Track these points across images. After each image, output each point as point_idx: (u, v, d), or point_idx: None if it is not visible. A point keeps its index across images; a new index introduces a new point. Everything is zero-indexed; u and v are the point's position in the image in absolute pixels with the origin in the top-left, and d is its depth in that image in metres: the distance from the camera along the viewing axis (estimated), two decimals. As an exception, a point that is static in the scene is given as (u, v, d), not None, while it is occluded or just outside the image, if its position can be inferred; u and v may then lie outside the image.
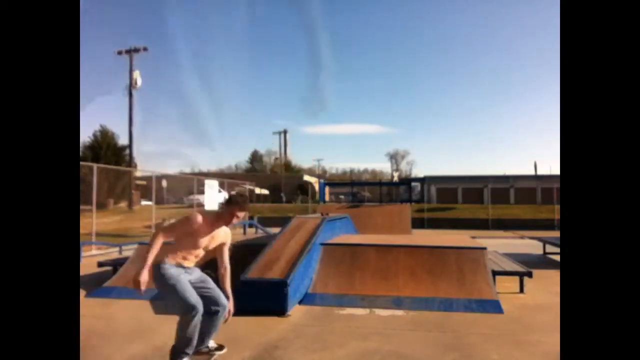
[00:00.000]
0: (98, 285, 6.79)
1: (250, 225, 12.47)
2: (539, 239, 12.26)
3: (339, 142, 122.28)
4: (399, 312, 5.44)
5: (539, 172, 31.40)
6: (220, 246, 3.96)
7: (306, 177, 56.32)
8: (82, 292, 6.48)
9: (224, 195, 22.97)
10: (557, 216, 21.84)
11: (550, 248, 11.20)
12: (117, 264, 7.66)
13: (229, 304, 3.95)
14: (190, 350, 3.70)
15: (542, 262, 10.22)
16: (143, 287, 3.46)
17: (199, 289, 3.74)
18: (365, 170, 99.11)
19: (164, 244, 3.61)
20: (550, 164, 74.61)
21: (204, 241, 3.74)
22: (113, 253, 11.06)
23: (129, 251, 9.19)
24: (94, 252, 11.85)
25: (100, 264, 8.07)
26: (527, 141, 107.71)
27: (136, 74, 30.74)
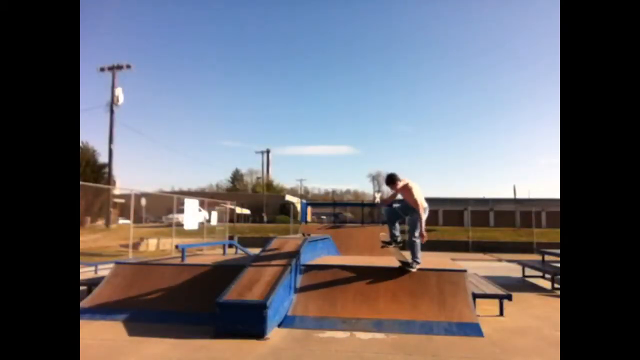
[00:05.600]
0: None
1: (230, 246, 12.29)
2: (518, 262, 12.37)
3: (321, 163, 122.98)
4: (380, 335, 5.39)
5: (518, 196, 31.94)
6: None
7: (288, 197, 56.18)
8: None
9: (204, 215, 22.71)
10: (535, 239, 22.11)
11: (529, 271, 11.31)
12: (92, 284, 7.45)
13: None
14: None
15: (522, 285, 10.30)
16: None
17: None
18: (348, 191, 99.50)
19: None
20: (529, 188, 76.03)
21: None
22: (88, 272, 10.76)
23: (104, 271, 8.94)
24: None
25: (74, 284, 7.82)
26: (506, 165, 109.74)
27: (118, 91, 30.51)
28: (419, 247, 6.70)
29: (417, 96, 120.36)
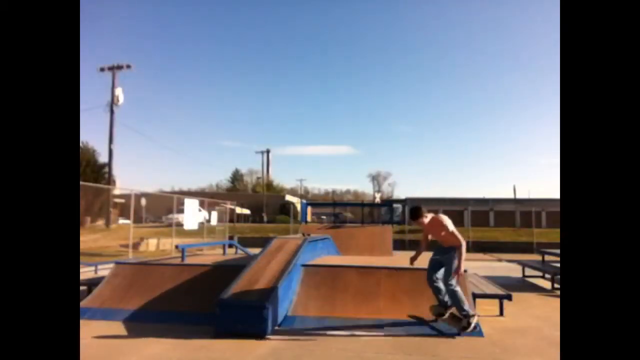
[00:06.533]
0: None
1: (230, 246, 12.29)
2: (518, 262, 12.38)
3: (321, 163, 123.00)
4: (380, 335, 5.39)
5: (518, 196, 31.96)
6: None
7: (288, 197, 56.18)
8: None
9: (204, 215, 22.69)
10: (535, 239, 22.11)
11: (529, 271, 11.31)
12: (92, 284, 7.45)
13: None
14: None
15: (522, 285, 10.30)
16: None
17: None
18: (348, 191, 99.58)
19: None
20: (529, 188, 76.09)
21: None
22: (88, 272, 10.77)
23: (104, 271, 8.94)
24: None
25: (74, 284, 7.82)
26: (506, 165, 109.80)
27: (118, 91, 30.48)
28: (460, 294, 5.45)
29: (417, 96, 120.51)
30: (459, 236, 5.46)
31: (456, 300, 5.41)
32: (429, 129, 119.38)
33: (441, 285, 5.59)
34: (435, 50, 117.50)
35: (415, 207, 5.72)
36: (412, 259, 6.07)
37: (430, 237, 5.89)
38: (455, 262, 5.41)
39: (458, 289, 5.45)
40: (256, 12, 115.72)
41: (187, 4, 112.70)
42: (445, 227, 5.51)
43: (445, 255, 5.59)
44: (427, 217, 5.66)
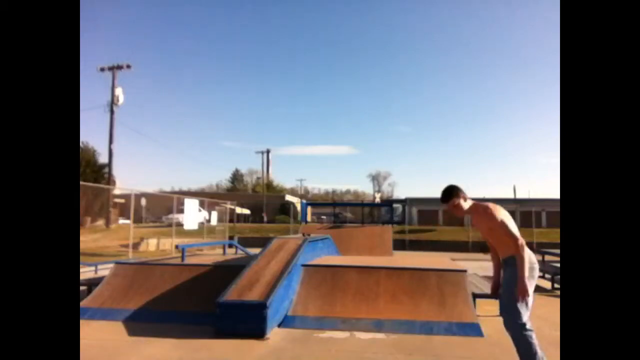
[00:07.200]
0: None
1: (230, 246, 12.28)
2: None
3: (321, 163, 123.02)
4: (380, 335, 5.38)
5: (518, 196, 31.85)
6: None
7: (288, 197, 56.17)
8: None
9: (204, 215, 22.68)
10: (535, 239, 22.10)
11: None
12: (92, 284, 7.45)
13: None
14: None
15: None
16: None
17: None
18: (348, 191, 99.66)
19: None
20: (529, 188, 76.13)
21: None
22: (88, 272, 10.76)
23: (104, 271, 8.94)
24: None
25: (74, 284, 7.82)
26: (506, 165, 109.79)
27: (118, 91, 30.46)
28: (536, 342, 3.48)
29: (417, 96, 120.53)
30: (515, 233, 3.64)
31: (524, 348, 3.52)
32: (428, 129, 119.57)
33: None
34: (435, 49, 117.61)
35: (448, 187, 3.88)
36: (493, 290, 4.36)
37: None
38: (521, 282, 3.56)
39: (531, 333, 3.51)
40: (256, 12, 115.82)
41: (187, 3, 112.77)
42: (492, 220, 3.66)
43: (505, 275, 3.82)
44: (467, 202, 3.84)
